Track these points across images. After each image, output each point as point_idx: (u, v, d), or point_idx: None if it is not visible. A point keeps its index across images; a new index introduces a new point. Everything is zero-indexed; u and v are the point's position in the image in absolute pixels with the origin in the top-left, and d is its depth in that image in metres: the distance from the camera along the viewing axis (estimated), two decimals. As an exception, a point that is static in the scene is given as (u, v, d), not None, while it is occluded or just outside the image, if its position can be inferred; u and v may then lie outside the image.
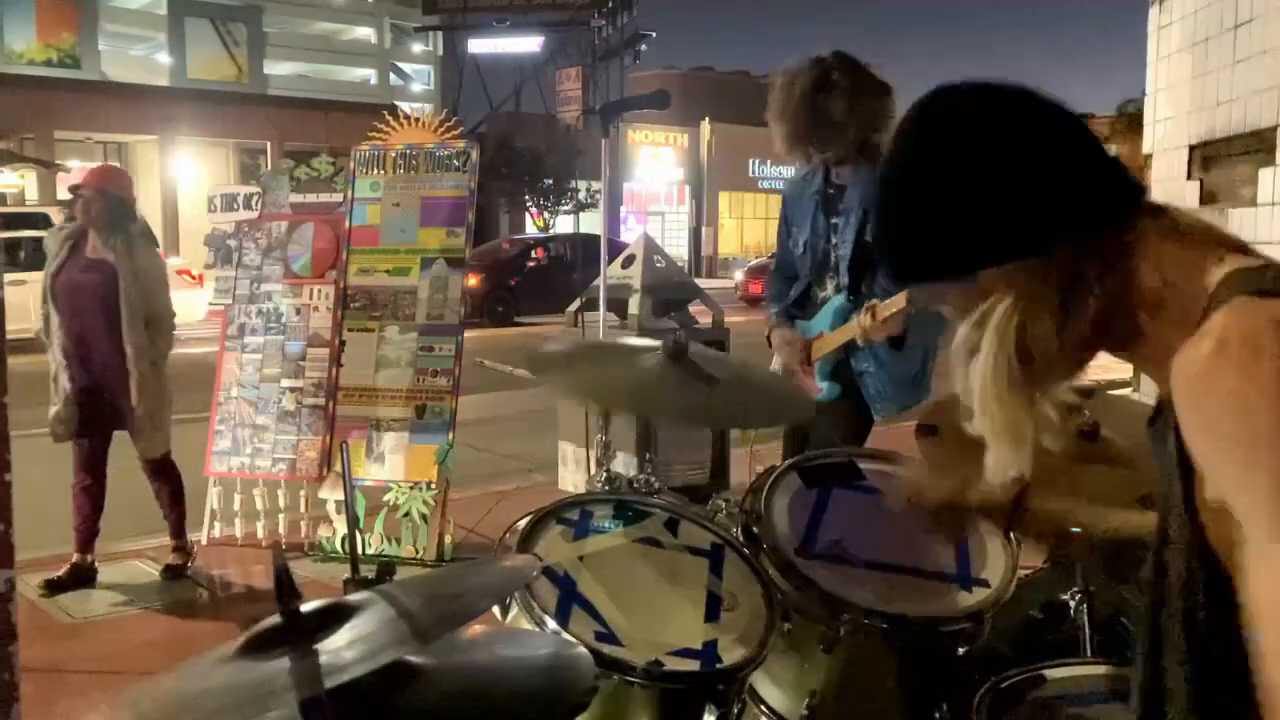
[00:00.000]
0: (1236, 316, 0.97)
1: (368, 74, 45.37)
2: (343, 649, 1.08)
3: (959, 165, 1.12)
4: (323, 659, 1.07)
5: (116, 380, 4.67)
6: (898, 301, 2.88)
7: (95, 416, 4.72)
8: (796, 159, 3.28)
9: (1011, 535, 2.12)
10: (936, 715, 1.98)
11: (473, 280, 15.30)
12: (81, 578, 4.82)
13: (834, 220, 3.27)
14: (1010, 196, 1.09)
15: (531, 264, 21.33)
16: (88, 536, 4.83)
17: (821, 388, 3.27)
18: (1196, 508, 1.02)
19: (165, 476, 4.88)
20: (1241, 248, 1.07)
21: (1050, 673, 1.91)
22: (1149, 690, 1.12)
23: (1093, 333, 1.09)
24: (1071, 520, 1.63)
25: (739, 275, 26.44)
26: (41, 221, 14.47)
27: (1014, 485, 1.77)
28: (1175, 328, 1.03)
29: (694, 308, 6.75)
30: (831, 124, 3.10)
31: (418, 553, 5.14)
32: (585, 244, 22.63)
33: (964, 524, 2.02)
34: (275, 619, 1.15)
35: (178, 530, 4.99)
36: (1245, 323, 0.96)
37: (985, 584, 2.03)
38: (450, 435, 5.23)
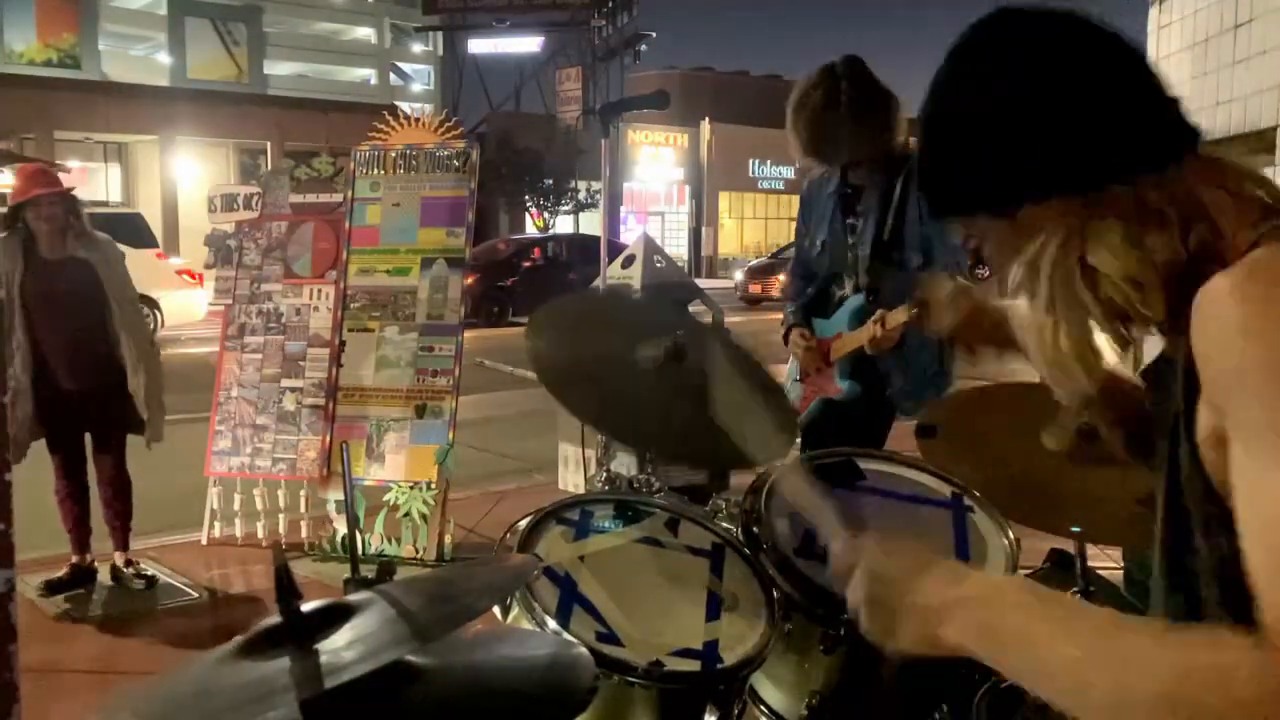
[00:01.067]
0: (1272, 251, 0.97)
1: (368, 74, 45.38)
2: (343, 649, 1.08)
3: (1011, 85, 1.07)
4: (323, 659, 1.07)
5: (110, 376, 4.63)
6: (898, 315, 2.87)
7: (77, 420, 4.68)
8: (813, 166, 3.31)
9: (1009, 531, 2.12)
10: (936, 715, 1.98)
11: (468, 280, 15.23)
12: (81, 578, 4.81)
13: (852, 221, 3.29)
14: (1063, 124, 1.04)
15: (527, 264, 21.30)
16: (83, 538, 4.81)
17: (841, 387, 3.28)
18: (1196, 441, 1.00)
19: (125, 480, 4.82)
20: None
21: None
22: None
23: (1185, 271, 1.02)
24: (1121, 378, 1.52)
25: (739, 275, 26.33)
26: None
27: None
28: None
29: (694, 308, 6.75)
30: (843, 137, 3.12)
31: (418, 553, 5.15)
32: (581, 244, 22.61)
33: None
34: (275, 618, 1.15)
35: (127, 540, 4.93)
36: (1277, 257, 0.95)
37: (985, 584, 2.02)
38: (450, 435, 5.23)
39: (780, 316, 3.64)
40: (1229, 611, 0.97)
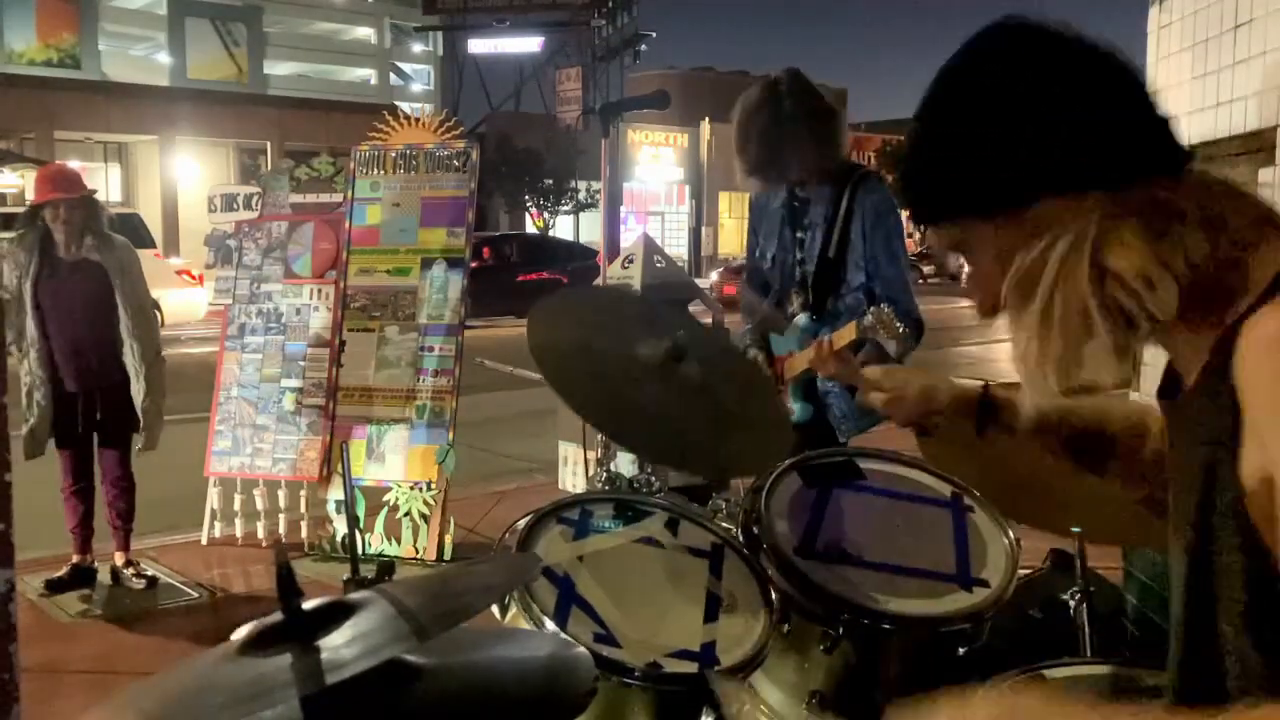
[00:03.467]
0: None
1: (368, 74, 45.39)
2: (343, 646, 1.08)
3: (1031, 79, 1.06)
4: (323, 656, 1.07)
5: (115, 379, 4.66)
6: (844, 335, 2.86)
7: (85, 421, 4.70)
8: (757, 187, 3.31)
9: (1010, 531, 2.12)
10: (936, 715, 1.97)
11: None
12: (81, 578, 4.81)
13: (799, 235, 3.27)
14: (1087, 117, 1.04)
15: (475, 264, 21.01)
16: (85, 538, 4.82)
17: (794, 409, 3.25)
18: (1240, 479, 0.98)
19: (129, 481, 4.84)
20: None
21: (1050, 673, 1.91)
22: (1194, 658, 1.08)
23: (1208, 276, 1.02)
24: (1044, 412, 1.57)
25: (714, 276, 25.32)
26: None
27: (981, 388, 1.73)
28: (1236, 290, 1.00)
29: (694, 308, 6.75)
30: (788, 154, 3.12)
31: (418, 553, 5.15)
32: (532, 245, 22.39)
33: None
34: (277, 616, 1.15)
35: (128, 541, 4.95)
36: None
37: (985, 584, 2.02)
38: (450, 435, 5.23)
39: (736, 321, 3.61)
40: (1266, 660, 0.97)
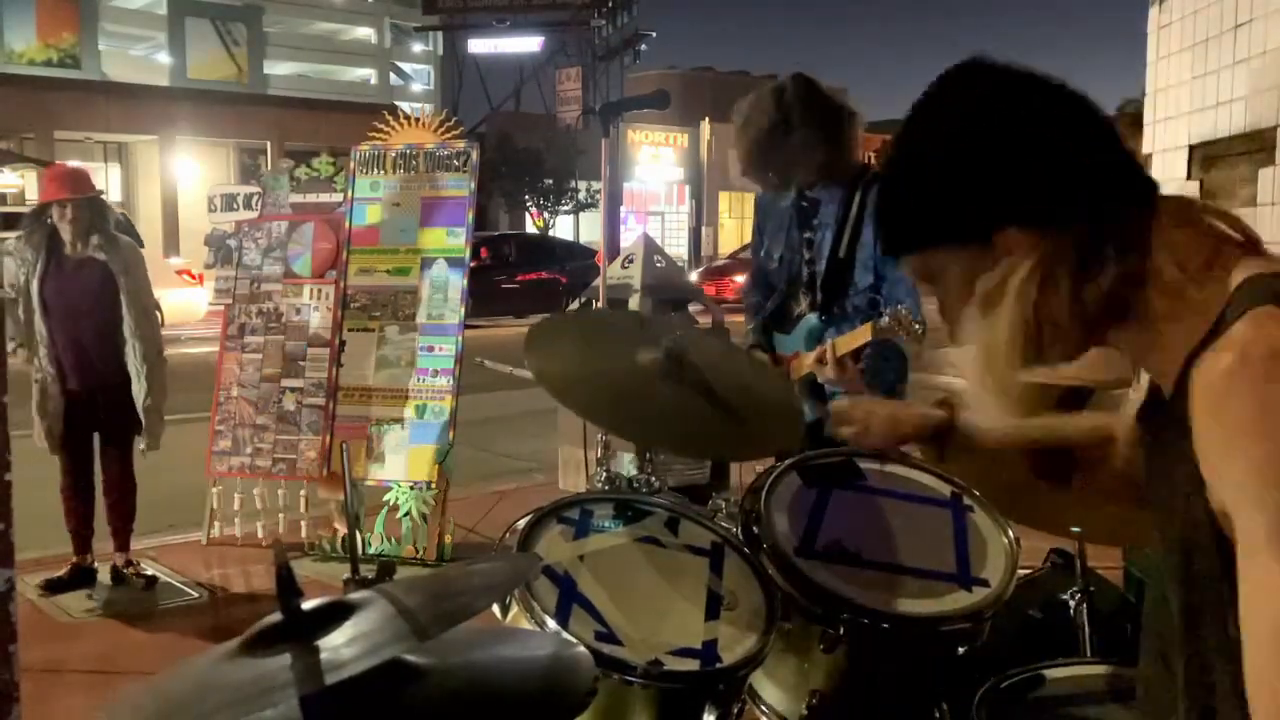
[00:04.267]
0: (1259, 328, 0.97)
1: (368, 74, 45.37)
2: (343, 646, 1.08)
3: (994, 119, 1.11)
4: (323, 656, 1.07)
5: (117, 379, 4.67)
6: (858, 336, 2.86)
7: (86, 420, 4.71)
8: (762, 186, 3.29)
9: (1010, 531, 2.12)
10: (936, 715, 1.98)
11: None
12: (81, 578, 4.82)
13: (808, 235, 3.25)
14: (1043, 158, 1.09)
15: (473, 264, 20.91)
16: (85, 538, 4.83)
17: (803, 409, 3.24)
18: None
19: (130, 482, 4.84)
20: (1255, 245, 1.08)
21: (1050, 673, 1.91)
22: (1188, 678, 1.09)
23: (1105, 313, 1.09)
24: (1006, 427, 1.63)
25: (693, 277, 25.25)
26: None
27: (944, 412, 1.77)
28: (1188, 322, 1.03)
29: (694, 308, 6.75)
30: (794, 158, 3.10)
31: (418, 553, 5.15)
32: (530, 246, 22.32)
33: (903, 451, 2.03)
34: (276, 616, 1.15)
35: (128, 541, 4.95)
36: (1267, 335, 0.96)
37: (985, 584, 2.02)
38: (450, 435, 5.23)
39: (740, 320, 3.60)
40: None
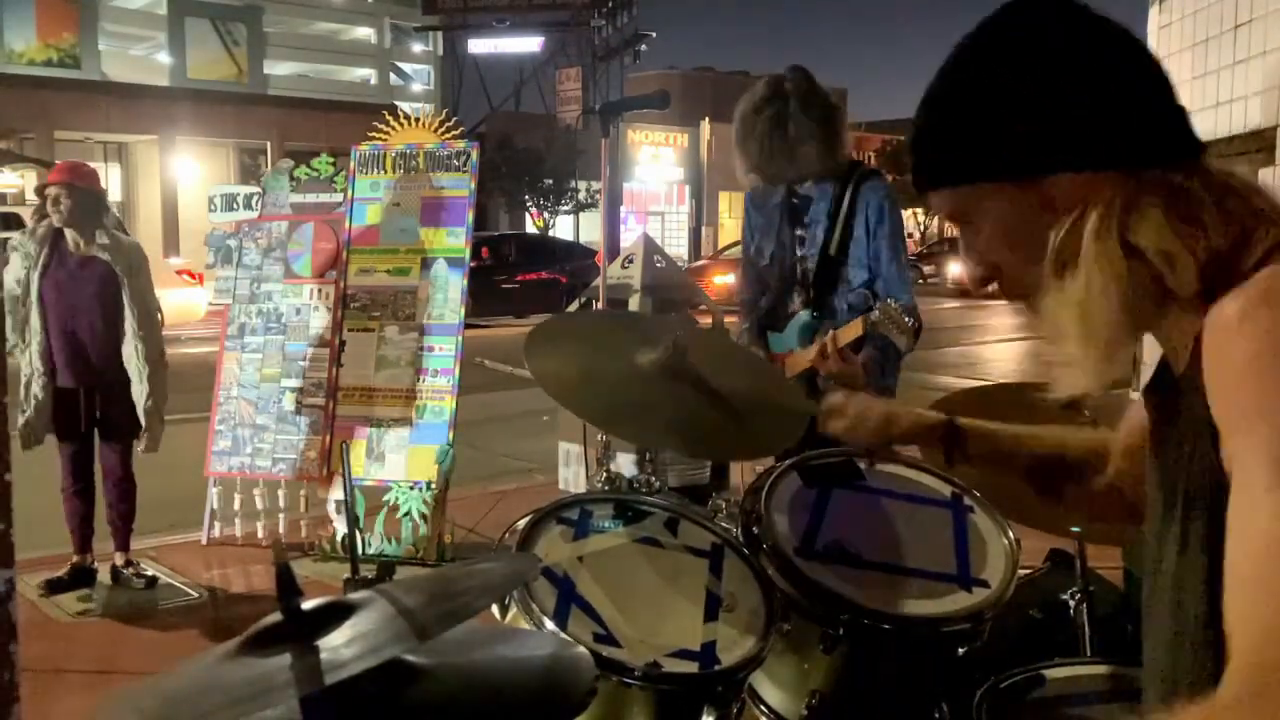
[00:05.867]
0: (1275, 276, 0.96)
1: (368, 74, 45.37)
2: (342, 646, 1.08)
3: (1057, 51, 1.04)
4: (323, 655, 1.07)
5: (115, 379, 4.67)
6: (851, 330, 2.87)
7: (86, 419, 4.70)
8: (756, 184, 3.30)
9: (1010, 531, 2.12)
10: (936, 715, 1.98)
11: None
12: (81, 578, 4.81)
13: (799, 232, 3.26)
14: (1108, 97, 1.03)
15: (473, 264, 20.85)
16: (85, 538, 4.82)
17: None
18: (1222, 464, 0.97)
19: (130, 482, 4.84)
20: None
21: (1050, 673, 1.91)
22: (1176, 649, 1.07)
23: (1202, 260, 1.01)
24: (1004, 437, 1.61)
25: None
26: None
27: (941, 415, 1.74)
28: (1226, 282, 0.99)
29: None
30: (792, 154, 3.12)
31: (418, 553, 5.14)
32: (530, 246, 22.28)
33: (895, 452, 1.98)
34: (276, 616, 1.15)
35: (128, 541, 4.95)
36: None
37: (985, 584, 2.02)
38: (450, 435, 5.23)
39: (734, 320, 3.60)
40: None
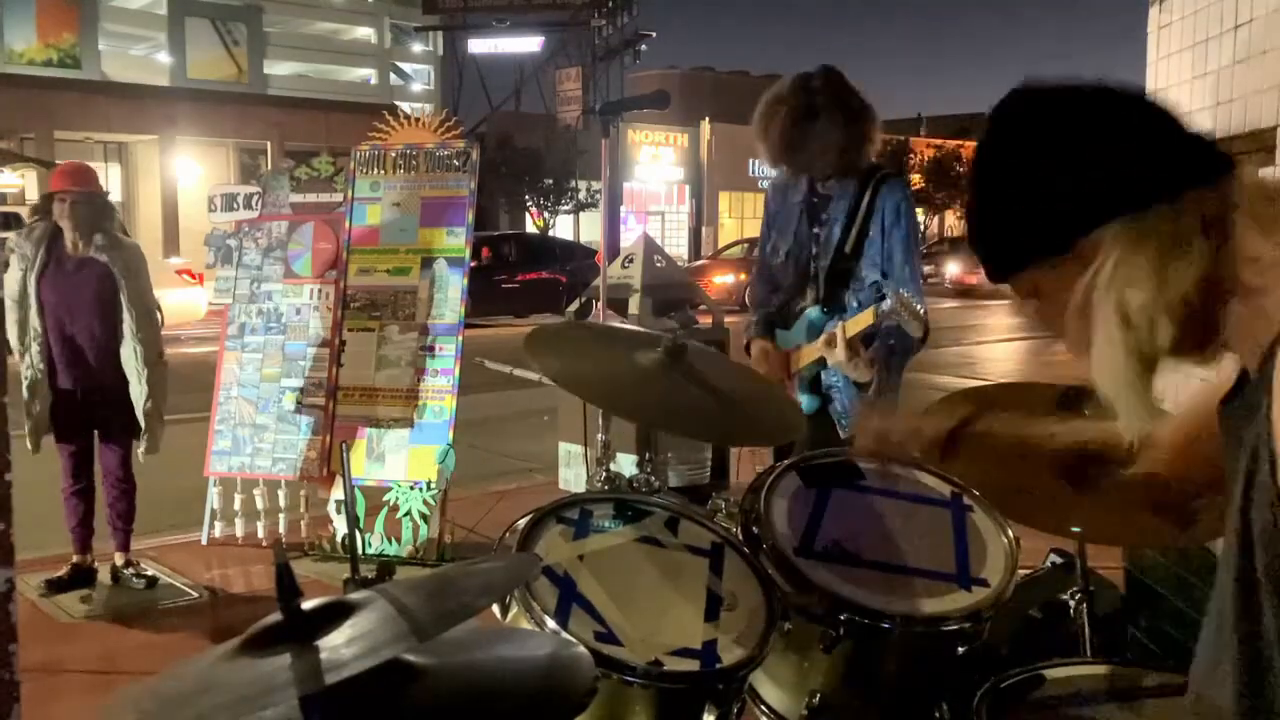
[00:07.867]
0: None
1: (368, 74, 45.35)
2: (342, 646, 1.08)
3: (1051, 142, 1.14)
4: (323, 655, 1.07)
5: (113, 380, 4.66)
6: (861, 320, 2.87)
7: (84, 419, 4.70)
8: (788, 166, 3.30)
9: (1009, 530, 2.12)
10: (936, 715, 1.98)
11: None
12: (81, 578, 4.81)
13: (817, 230, 3.26)
14: (1100, 157, 1.11)
15: (474, 264, 20.80)
16: (85, 538, 4.82)
17: (801, 401, 3.25)
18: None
19: (130, 482, 4.83)
20: None
21: (1050, 673, 1.91)
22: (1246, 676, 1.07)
23: (1206, 296, 1.07)
24: (1006, 437, 1.65)
25: None
26: (40, 222, 14.48)
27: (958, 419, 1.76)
28: (1276, 296, 1.02)
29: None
30: (817, 149, 3.13)
31: (418, 553, 5.14)
32: (532, 246, 22.27)
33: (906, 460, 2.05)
34: (276, 616, 1.15)
35: (128, 541, 4.95)
36: None
37: (985, 584, 2.03)
38: (450, 435, 5.23)
39: (735, 320, 3.61)
40: None
